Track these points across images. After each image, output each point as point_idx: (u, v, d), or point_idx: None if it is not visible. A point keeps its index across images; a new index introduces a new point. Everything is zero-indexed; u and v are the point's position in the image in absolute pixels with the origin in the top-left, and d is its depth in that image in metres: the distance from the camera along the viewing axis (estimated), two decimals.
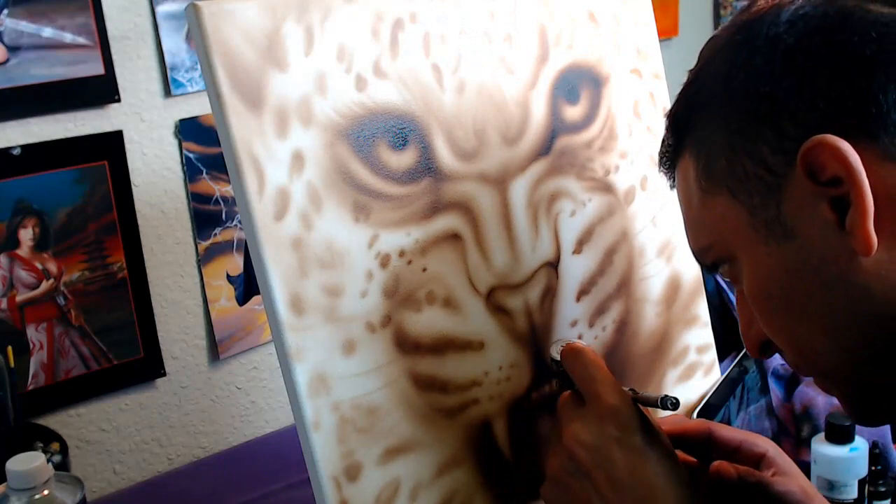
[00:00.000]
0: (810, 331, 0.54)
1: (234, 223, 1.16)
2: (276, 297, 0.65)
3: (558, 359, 0.71)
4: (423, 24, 0.72)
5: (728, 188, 0.55)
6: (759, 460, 0.70)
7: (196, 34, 0.64)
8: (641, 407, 0.65)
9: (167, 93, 1.09)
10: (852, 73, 0.50)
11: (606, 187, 0.82)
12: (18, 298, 1.02)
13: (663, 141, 0.61)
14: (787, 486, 0.68)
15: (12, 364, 0.97)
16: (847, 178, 0.49)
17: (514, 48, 0.77)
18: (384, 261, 0.69)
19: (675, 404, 0.64)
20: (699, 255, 0.60)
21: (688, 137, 0.58)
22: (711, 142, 0.55)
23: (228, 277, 1.17)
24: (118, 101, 1.06)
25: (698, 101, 0.57)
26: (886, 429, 1.00)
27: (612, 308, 0.82)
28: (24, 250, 1.02)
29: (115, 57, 1.05)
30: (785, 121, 0.51)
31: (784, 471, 0.70)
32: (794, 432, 1.07)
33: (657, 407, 0.65)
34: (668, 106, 0.87)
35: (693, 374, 0.88)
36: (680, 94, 0.59)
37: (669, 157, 0.61)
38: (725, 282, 1.24)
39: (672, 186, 0.62)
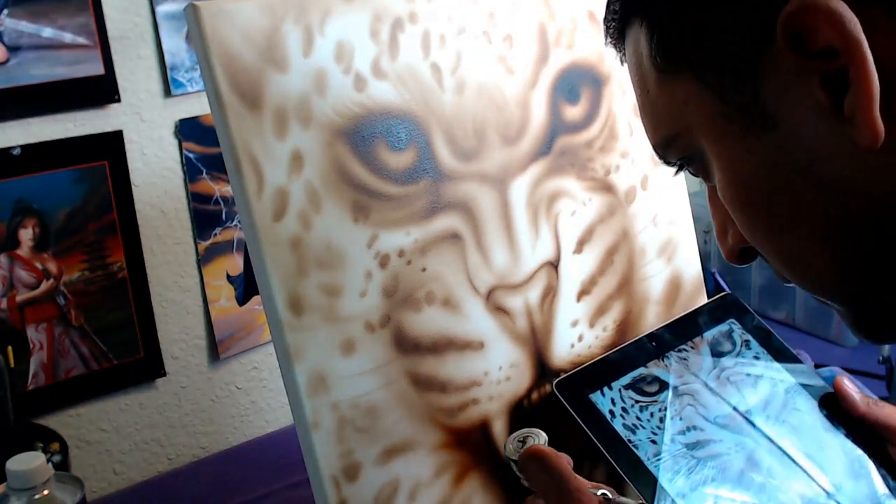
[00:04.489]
0: (800, 239, 0.44)
1: (234, 223, 1.16)
2: (276, 296, 0.65)
3: (515, 458, 0.64)
4: (422, 23, 0.72)
5: (691, 68, 0.44)
6: None
7: (195, 34, 0.64)
8: None
9: (167, 93, 1.09)
10: None
11: (607, 187, 0.82)
12: (18, 298, 1.02)
13: (608, 5, 0.50)
14: None
15: (12, 364, 0.97)
16: (844, 48, 0.38)
17: (514, 48, 0.77)
18: (383, 261, 0.69)
19: None
20: (660, 149, 0.50)
21: (637, 4, 0.47)
22: (666, 9, 0.45)
23: (228, 277, 1.17)
24: (118, 101, 1.06)
25: None
26: None
27: (613, 308, 0.82)
28: (24, 250, 1.02)
29: (115, 57, 1.05)
30: None
31: None
32: None
33: None
34: None
35: None
36: None
37: (616, 26, 0.50)
38: (726, 281, 1.24)
39: (622, 62, 0.51)
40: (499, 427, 0.75)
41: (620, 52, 0.51)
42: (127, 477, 1.14)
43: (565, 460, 0.60)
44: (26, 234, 1.02)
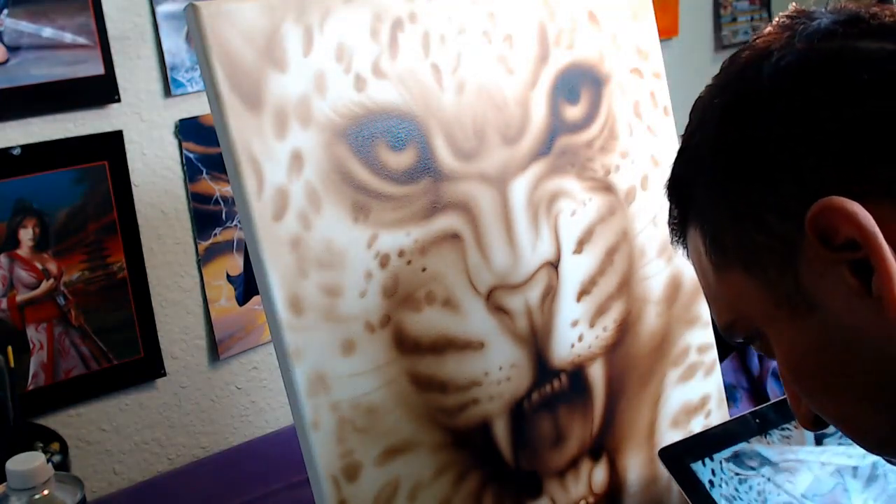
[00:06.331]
0: (856, 407, 0.50)
1: (234, 223, 1.16)
2: (276, 296, 0.65)
3: None
4: (422, 24, 0.72)
5: (740, 262, 0.50)
6: None
7: (195, 34, 0.64)
8: None
9: (167, 93, 1.09)
10: (850, 120, 0.45)
11: (607, 187, 0.82)
12: (18, 298, 1.02)
13: (670, 211, 0.57)
14: None
15: (12, 364, 0.97)
16: (863, 241, 0.44)
17: (514, 48, 0.77)
18: (383, 261, 0.69)
19: None
20: (725, 332, 0.56)
21: (690, 210, 0.54)
22: (714, 214, 0.51)
23: (228, 277, 1.17)
24: (118, 101, 1.06)
25: (693, 171, 0.53)
26: None
27: (613, 308, 0.82)
28: (24, 250, 1.02)
29: (115, 57, 1.05)
30: (787, 183, 0.47)
31: None
32: None
33: None
34: (669, 105, 0.87)
35: (694, 374, 0.88)
36: (674, 163, 0.55)
37: (678, 229, 0.57)
38: None
39: (687, 257, 0.58)
40: (499, 427, 0.75)
41: (685, 249, 0.57)
42: (127, 477, 1.14)
43: None
44: (26, 234, 1.02)
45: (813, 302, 0.48)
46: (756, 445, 0.78)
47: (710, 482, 0.75)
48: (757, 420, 0.80)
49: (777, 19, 0.50)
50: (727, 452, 0.77)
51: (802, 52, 0.47)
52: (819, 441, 0.80)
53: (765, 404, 0.82)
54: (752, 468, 0.77)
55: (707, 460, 0.76)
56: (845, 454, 0.79)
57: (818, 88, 0.46)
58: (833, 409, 0.52)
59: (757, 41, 0.50)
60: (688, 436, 0.81)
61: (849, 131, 0.45)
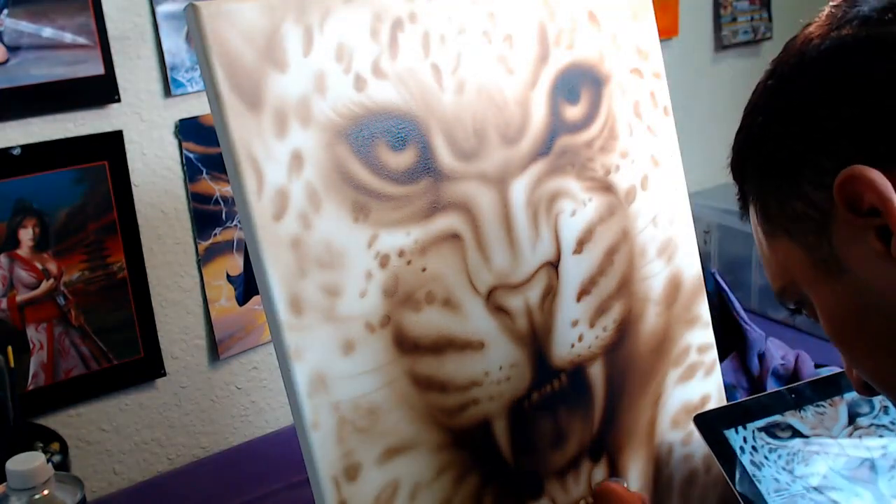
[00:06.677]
0: (886, 359, 0.54)
1: (234, 223, 1.16)
2: (276, 296, 0.65)
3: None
4: (422, 24, 0.72)
5: (784, 230, 0.55)
6: None
7: (195, 34, 0.64)
8: None
9: (167, 93, 1.09)
10: (880, 98, 0.49)
11: (607, 187, 0.82)
12: (18, 298, 1.02)
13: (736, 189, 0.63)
14: None
15: (12, 364, 0.97)
16: (881, 206, 0.48)
17: (514, 48, 0.77)
18: (383, 261, 0.69)
19: None
20: (780, 298, 0.60)
21: (745, 185, 0.59)
22: (763, 186, 0.57)
23: (228, 277, 1.17)
24: (118, 101, 1.06)
25: (746, 149, 0.58)
26: None
27: (613, 308, 0.82)
28: (24, 250, 1.02)
29: (115, 57, 1.05)
30: (822, 155, 0.51)
31: None
32: None
33: None
34: (669, 105, 0.87)
35: (694, 374, 0.88)
36: (733, 143, 0.60)
37: (741, 205, 0.61)
38: (726, 281, 1.24)
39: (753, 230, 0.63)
40: (499, 427, 0.75)
41: (748, 221, 0.62)
42: (127, 477, 1.14)
43: (637, 497, 0.70)
44: (26, 234, 1.02)
45: (844, 266, 0.52)
46: (789, 419, 0.81)
47: (741, 448, 0.77)
48: (793, 395, 0.82)
49: (827, 7, 0.54)
50: (760, 423, 0.80)
51: (844, 36, 0.51)
52: (852, 420, 0.81)
53: (802, 381, 0.85)
54: (783, 439, 0.79)
55: (740, 428, 0.79)
56: (877, 440, 0.81)
57: (851, 68, 0.51)
58: (869, 366, 0.56)
59: (808, 27, 0.54)
60: (724, 405, 0.84)
61: (873, 106, 0.49)
